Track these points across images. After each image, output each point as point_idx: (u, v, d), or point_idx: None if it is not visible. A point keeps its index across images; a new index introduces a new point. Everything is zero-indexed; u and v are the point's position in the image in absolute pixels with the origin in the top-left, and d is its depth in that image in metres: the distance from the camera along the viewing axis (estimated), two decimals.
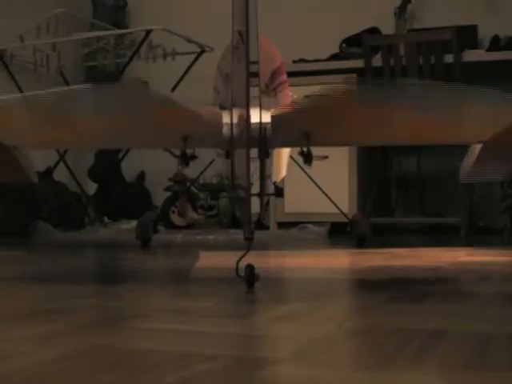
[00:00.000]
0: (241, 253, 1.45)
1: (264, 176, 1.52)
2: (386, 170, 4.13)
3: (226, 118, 1.61)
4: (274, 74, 1.72)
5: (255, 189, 1.49)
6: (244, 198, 1.48)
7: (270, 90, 1.68)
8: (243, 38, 1.42)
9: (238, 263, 1.44)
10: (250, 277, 1.44)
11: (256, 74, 1.44)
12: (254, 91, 1.45)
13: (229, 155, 1.60)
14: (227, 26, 1.52)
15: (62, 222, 3.97)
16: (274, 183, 1.65)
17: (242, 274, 1.45)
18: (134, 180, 4.76)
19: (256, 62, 1.43)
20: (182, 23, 4.35)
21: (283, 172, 1.82)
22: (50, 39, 4.05)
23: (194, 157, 1.74)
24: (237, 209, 1.65)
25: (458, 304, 1.35)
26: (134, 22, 4.95)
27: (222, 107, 1.70)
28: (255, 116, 1.46)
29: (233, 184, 1.57)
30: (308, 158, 1.67)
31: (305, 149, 1.67)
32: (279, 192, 1.64)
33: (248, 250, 1.46)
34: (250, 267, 1.45)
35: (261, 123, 1.49)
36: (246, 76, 1.41)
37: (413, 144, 3.17)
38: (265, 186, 1.52)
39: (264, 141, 1.52)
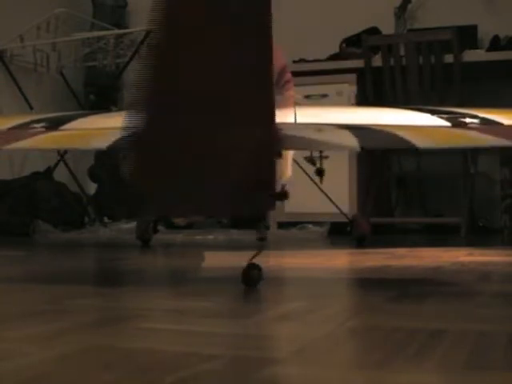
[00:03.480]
0: (241, 253, 1.45)
1: None
2: (385, 170, 4.13)
3: None
4: (281, 73, 1.73)
5: None
6: None
7: (277, 89, 1.68)
8: None
9: (248, 263, 1.43)
10: (254, 276, 1.44)
11: None
12: None
13: None
14: None
15: (61, 222, 3.97)
16: (283, 185, 1.64)
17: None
18: None
19: None
20: None
21: (288, 172, 1.82)
22: (50, 39, 4.05)
23: None
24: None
25: (458, 304, 1.34)
26: (134, 22, 4.94)
27: None
28: None
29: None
30: (320, 173, 1.72)
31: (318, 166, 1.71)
32: (281, 196, 1.62)
33: (260, 251, 1.45)
34: (253, 266, 1.44)
35: None
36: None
37: None
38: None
39: None
